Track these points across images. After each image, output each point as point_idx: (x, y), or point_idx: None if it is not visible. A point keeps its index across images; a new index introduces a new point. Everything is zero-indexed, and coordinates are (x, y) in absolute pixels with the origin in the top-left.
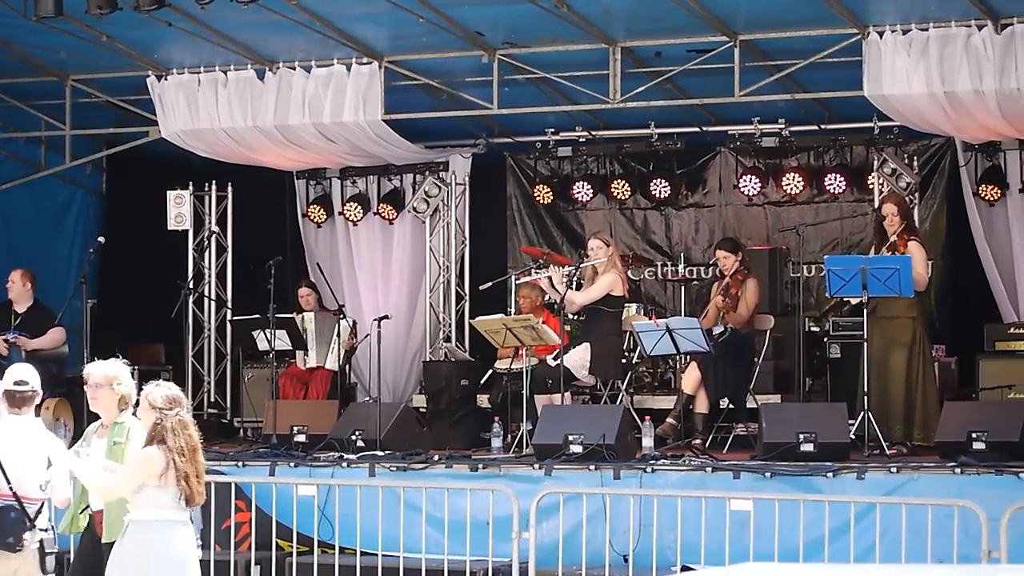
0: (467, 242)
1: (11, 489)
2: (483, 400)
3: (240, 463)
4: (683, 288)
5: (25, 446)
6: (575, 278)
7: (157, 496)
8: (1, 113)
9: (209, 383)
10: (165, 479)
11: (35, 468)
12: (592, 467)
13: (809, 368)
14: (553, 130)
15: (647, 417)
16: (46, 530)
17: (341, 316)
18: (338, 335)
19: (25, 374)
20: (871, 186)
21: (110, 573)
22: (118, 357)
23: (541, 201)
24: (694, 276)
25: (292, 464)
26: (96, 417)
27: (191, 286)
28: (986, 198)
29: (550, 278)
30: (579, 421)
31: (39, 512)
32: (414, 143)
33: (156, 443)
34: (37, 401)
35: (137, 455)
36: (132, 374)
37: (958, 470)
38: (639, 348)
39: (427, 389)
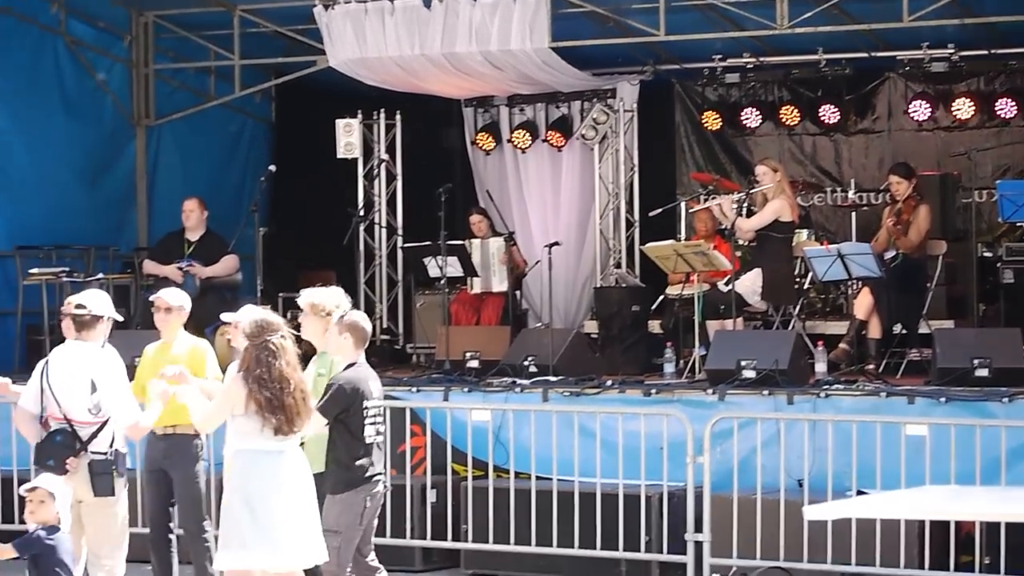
0: (636, 169)
1: (62, 413)
2: (655, 325)
3: (414, 388)
4: (853, 214)
5: (75, 371)
6: (745, 204)
7: (242, 425)
8: (171, 44)
9: (381, 310)
10: (247, 408)
11: (82, 392)
12: (765, 392)
13: (982, 293)
14: (720, 56)
15: (820, 342)
16: (104, 454)
17: (512, 243)
18: (508, 262)
19: (85, 298)
20: None
21: None
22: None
23: (709, 127)
24: (864, 202)
25: (466, 389)
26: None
27: (362, 214)
28: None
29: (720, 205)
30: (752, 346)
31: (93, 436)
32: (581, 70)
33: (242, 371)
34: (99, 326)
35: (223, 385)
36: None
37: None
38: (811, 273)
39: (599, 315)
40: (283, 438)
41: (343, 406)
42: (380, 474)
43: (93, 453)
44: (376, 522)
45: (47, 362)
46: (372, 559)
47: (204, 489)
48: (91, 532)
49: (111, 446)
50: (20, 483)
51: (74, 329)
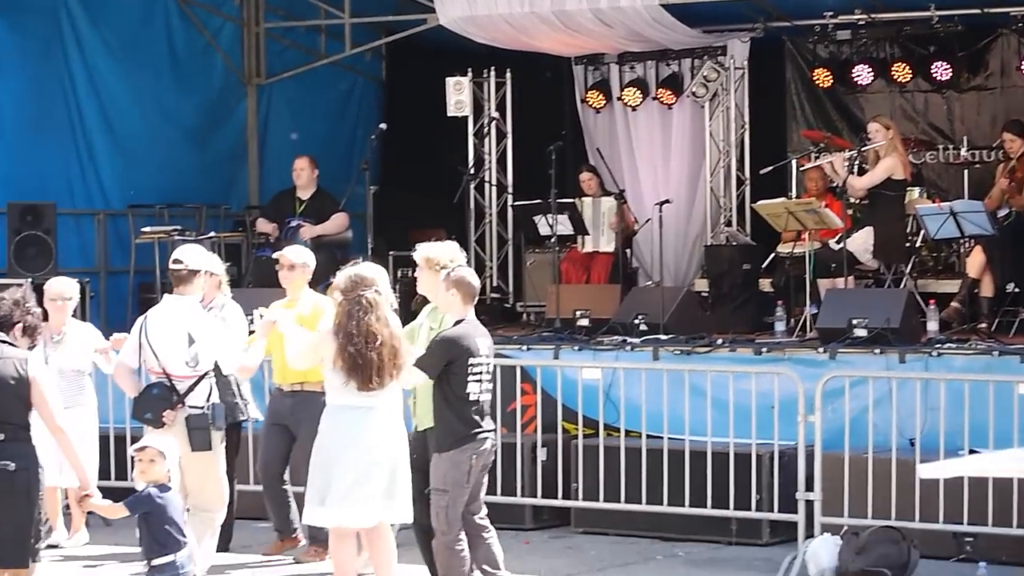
0: (747, 126)
1: (160, 366)
2: (765, 284)
3: (524, 347)
4: (965, 171)
5: (173, 325)
6: (856, 162)
7: (330, 380)
8: (281, 3)
9: (491, 268)
10: (335, 363)
11: (179, 346)
12: (877, 351)
13: None
14: (831, 13)
15: (931, 301)
16: (200, 408)
17: (622, 201)
18: (612, 218)
19: (181, 253)
20: None
21: None
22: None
23: (820, 85)
24: (976, 159)
25: (576, 348)
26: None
27: (472, 172)
28: None
29: (831, 163)
30: (863, 305)
31: (190, 389)
32: (691, 28)
33: (333, 326)
34: (196, 280)
35: (314, 337)
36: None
37: None
38: (923, 231)
39: (709, 273)
40: (369, 394)
41: (445, 361)
42: (487, 431)
43: (190, 407)
44: (486, 480)
45: (146, 317)
46: (482, 518)
47: None
48: (189, 486)
49: (208, 400)
50: (133, 441)
51: (174, 284)
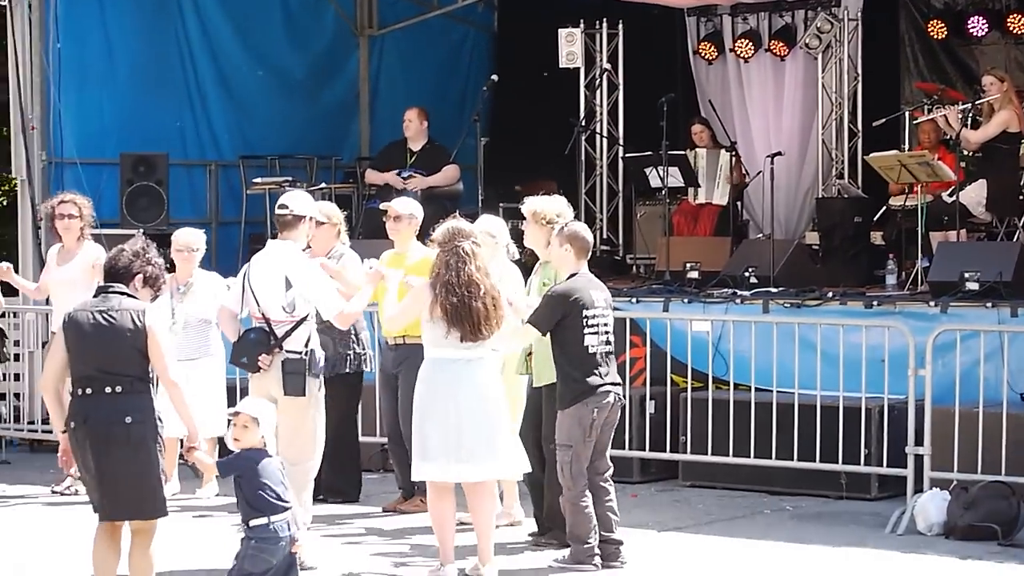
0: (860, 79)
1: (260, 311)
2: (877, 237)
3: (634, 299)
4: None
5: (273, 269)
6: (970, 115)
7: (429, 332)
8: None
9: (601, 220)
10: (433, 315)
11: (277, 290)
12: (989, 304)
13: None
14: None
15: None
16: (298, 353)
17: (733, 153)
18: (730, 171)
19: (288, 199)
20: None
21: None
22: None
23: (935, 36)
24: None
25: (685, 300)
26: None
27: (583, 124)
28: None
29: (945, 116)
30: (975, 258)
31: (288, 334)
32: None
33: (431, 277)
34: (300, 226)
35: (406, 299)
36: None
37: None
38: None
39: (820, 226)
40: (470, 345)
41: (557, 317)
42: (609, 385)
43: (287, 352)
44: (611, 435)
45: (250, 263)
46: (605, 479)
47: None
48: (282, 433)
49: (306, 346)
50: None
51: (279, 229)
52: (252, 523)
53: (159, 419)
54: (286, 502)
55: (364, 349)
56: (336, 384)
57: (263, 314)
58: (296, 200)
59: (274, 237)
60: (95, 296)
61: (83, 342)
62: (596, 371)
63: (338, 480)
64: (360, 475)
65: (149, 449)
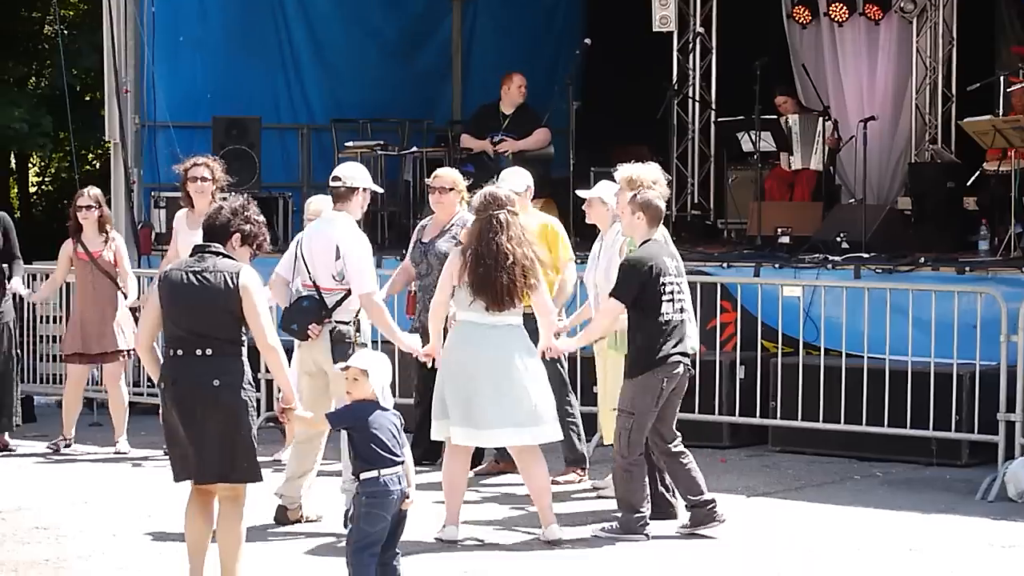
0: (955, 43)
1: (312, 279)
2: (970, 202)
3: (725, 264)
4: None
5: (325, 238)
6: None
7: (460, 297)
8: None
9: (693, 185)
10: (461, 280)
11: (328, 259)
12: None
13: None
14: None
15: None
16: (347, 323)
17: (826, 117)
18: (822, 136)
19: (342, 170)
20: None
21: None
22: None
23: None
24: None
25: (777, 265)
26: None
27: (676, 88)
28: None
29: None
30: None
31: (338, 303)
32: None
33: (464, 243)
34: (355, 198)
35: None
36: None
37: None
38: None
39: (912, 191)
40: (498, 313)
41: (638, 286)
42: (681, 355)
43: (337, 321)
44: (679, 405)
45: (304, 232)
46: (676, 446)
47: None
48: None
49: (356, 316)
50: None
51: (334, 200)
52: (362, 476)
53: (250, 383)
54: (397, 456)
55: None
56: None
57: (314, 282)
58: (349, 171)
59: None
60: (191, 255)
61: (175, 303)
62: (668, 340)
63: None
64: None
65: (238, 413)
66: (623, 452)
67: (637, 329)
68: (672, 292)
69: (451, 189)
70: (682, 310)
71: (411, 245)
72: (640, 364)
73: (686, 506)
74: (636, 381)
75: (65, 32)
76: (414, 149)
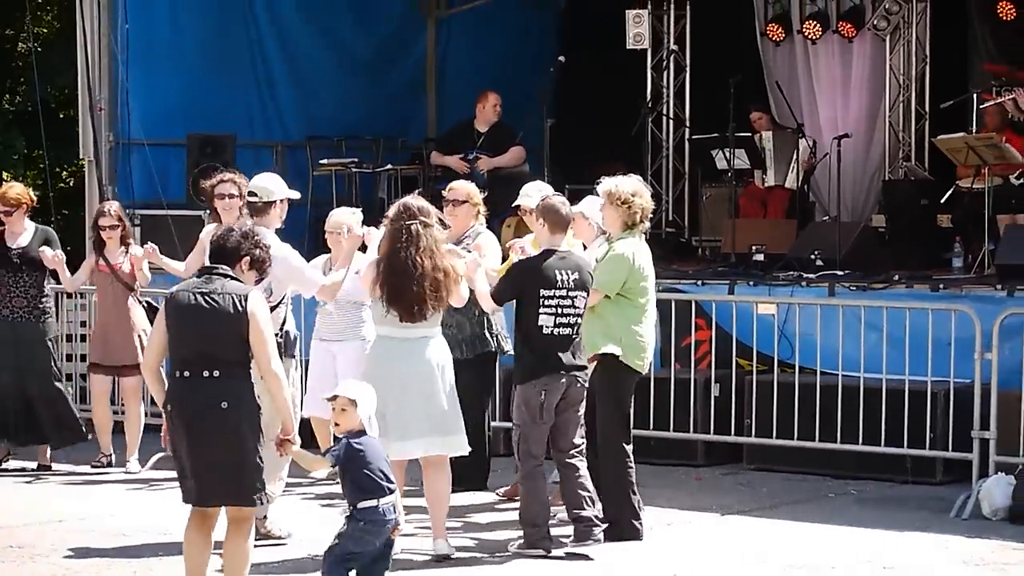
0: (928, 60)
1: None
2: (944, 219)
3: (699, 281)
4: None
5: None
6: None
7: (376, 309)
8: None
9: (667, 202)
10: (374, 293)
11: None
12: None
13: None
14: None
15: None
16: (275, 335)
17: (800, 135)
18: (797, 154)
19: (256, 184)
20: None
21: None
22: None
23: (1004, 17)
24: None
25: (751, 283)
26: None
27: (650, 105)
28: None
29: (1015, 99)
30: None
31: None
32: None
33: (378, 254)
34: (272, 211)
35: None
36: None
37: None
38: None
39: (886, 208)
40: (409, 325)
41: (515, 291)
42: (564, 368)
43: None
44: (577, 417)
45: None
46: (570, 456)
47: None
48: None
49: (283, 328)
50: None
51: (249, 215)
52: (360, 505)
53: (258, 405)
54: (392, 483)
55: (500, 329)
56: (469, 366)
57: None
58: (265, 183)
59: None
60: (198, 276)
61: (182, 324)
62: (551, 352)
63: (461, 467)
64: (487, 460)
65: (244, 435)
66: (517, 464)
67: (520, 338)
68: (555, 305)
69: (464, 202)
70: (563, 324)
71: None
72: (520, 374)
73: (568, 519)
74: (517, 392)
75: (39, 49)
76: (388, 167)
